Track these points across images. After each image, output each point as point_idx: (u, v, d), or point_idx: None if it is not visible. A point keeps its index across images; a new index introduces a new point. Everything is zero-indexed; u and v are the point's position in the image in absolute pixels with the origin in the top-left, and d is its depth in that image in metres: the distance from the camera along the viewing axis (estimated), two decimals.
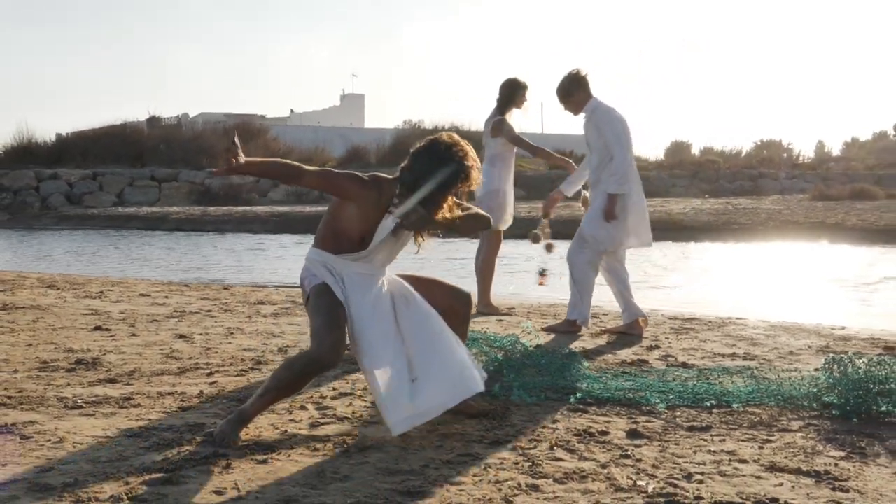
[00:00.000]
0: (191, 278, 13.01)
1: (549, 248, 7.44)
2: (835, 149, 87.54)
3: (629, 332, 6.99)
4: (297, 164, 4.17)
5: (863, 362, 4.47)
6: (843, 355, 4.67)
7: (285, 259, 16.79)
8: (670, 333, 7.08)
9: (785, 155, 77.30)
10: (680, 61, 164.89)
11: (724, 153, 72.57)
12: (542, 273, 7.47)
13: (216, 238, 23.16)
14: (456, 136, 4.13)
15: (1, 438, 3.77)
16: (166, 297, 9.05)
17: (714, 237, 20.48)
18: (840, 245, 18.32)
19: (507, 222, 8.09)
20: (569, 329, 7.06)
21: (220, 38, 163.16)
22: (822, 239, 19.12)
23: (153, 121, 66.54)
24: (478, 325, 7.06)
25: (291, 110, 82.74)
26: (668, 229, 21.60)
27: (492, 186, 7.79)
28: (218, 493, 3.16)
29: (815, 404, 4.47)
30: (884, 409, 4.27)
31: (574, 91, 7.01)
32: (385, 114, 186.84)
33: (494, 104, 8.09)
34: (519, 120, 8.27)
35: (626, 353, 6.13)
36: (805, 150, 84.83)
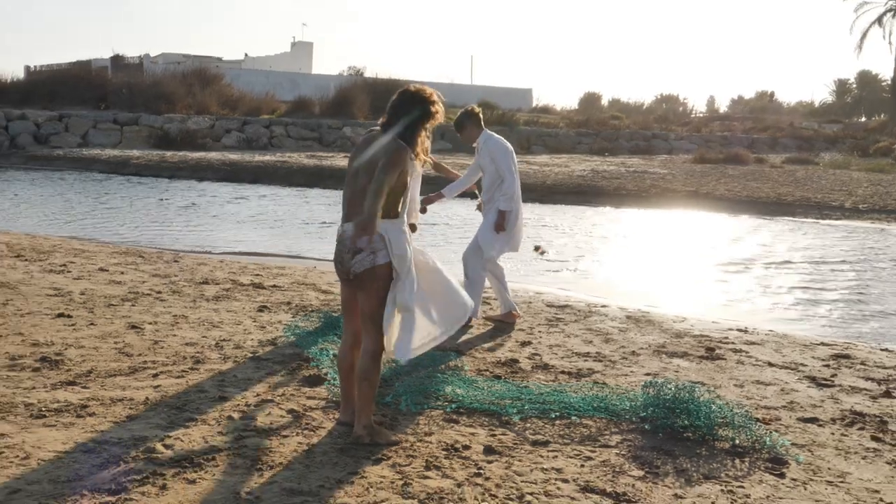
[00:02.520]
0: (148, 238, 13.26)
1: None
2: (723, 105, 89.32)
3: (505, 320, 7.68)
4: (378, 189, 4.39)
5: (672, 387, 5.04)
6: (659, 379, 5.27)
7: (228, 220, 17.01)
8: (543, 325, 7.65)
9: (680, 109, 78.79)
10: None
11: (629, 105, 73.76)
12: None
13: (172, 187, 23.17)
14: (419, 86, 4.67)
15: None
16: (122, 272, 9.33)
17: (605, 202, 21.18)
18: (709, 214, 19.20)
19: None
20: (507, 321, 7.73)
21: None
22: (695, 207, 19.96)
23: (116, 59, 65.10)
24: None
25: (245, 54, 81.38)
26: (569, 192, 22.28)
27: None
28: None
29: (634, 418, 5.04)
30: (685, 423, 4.85)
31: (468, 124, 7.58)
32: (332, 61, 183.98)
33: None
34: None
35: (503, 351, 6.67)
36: (698, 104, 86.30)
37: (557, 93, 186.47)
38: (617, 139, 43.79)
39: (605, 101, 79.88)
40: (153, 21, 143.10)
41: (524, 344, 6.95)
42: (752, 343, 7.26)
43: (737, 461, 4.51)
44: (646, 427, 4.92)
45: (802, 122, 61.27)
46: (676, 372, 6.23)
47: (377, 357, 4.59)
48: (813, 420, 5.22)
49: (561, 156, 36.38)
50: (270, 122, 39.48)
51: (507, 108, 51.12)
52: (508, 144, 7.77)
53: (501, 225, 7.49)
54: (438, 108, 4.63)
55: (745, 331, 7.79)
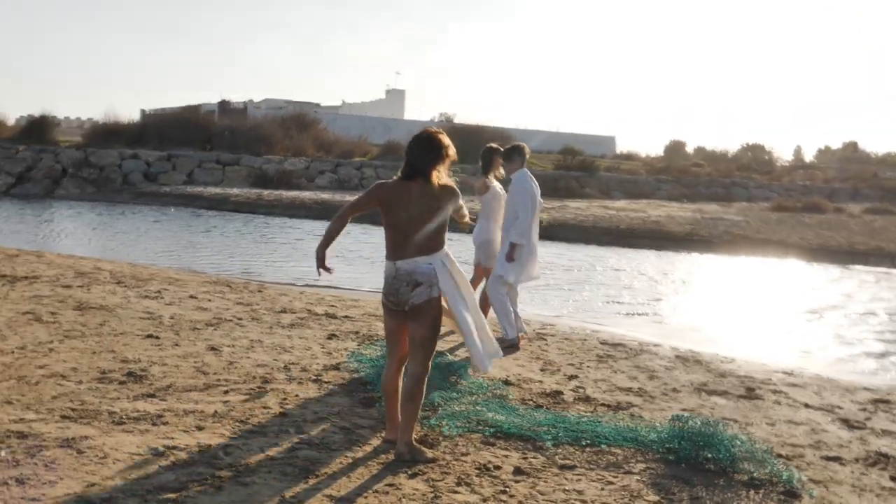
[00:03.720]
0: (238, 270, 13.87)
1: None
2: (809, 154, 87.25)
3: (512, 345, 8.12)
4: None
5: (699, 422, 5.17)
6: (687, 413, 5.40)
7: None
8: (593, 361, 7.81)
9: (766, 157, 77.30)
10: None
11: (714, 154, 72.81)
12: None
13: (267, 224, 24.00)
14: (433, 129, 5.05)
15: (62, 452, 4.58)
16: (210, 299, 9.86)
17: (678, 247, 21.09)
18: (779, 260, 18.95)
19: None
20: (509, 347, 7.99)
21: (289, 29, 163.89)
22: (767, 254, 19.71)
23: (223, 104, 67.67)
24: (464, 350, 7.83)
25: (343, 101, 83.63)
26: (643, 236, 22.26)
27: (485, 237, 8.46)
28: None
29: (660, 449, 5.18)
30: (708, 456, 4.98)
31: (514, 157, 8.02)
32: (424, 108, 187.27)
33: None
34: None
35: (549, 383, 6.86)
36: (785, 154, 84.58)
37: (643, 140, 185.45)
38: (696, 186, 43.43)
39: (689, 149, 79.20)
40: (260, 69, 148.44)
41: (571, 377, 7.13)
42: (794, 385, 7.28)
43: (751, 492, 4.62)
44: (670, 458, 5.05)
45: (887, 172, 59.60)
46: (712, 409, 6.32)
47: (422, 380, 4.87)
48: (836, 459, 5.28)
49: (639, 201, 36.24)
50: (361, 164, 40.45)
51: (591, 153, 51.19)
52: (534, 185, 8.19)
53: (512, 256, 7.99)
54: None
55: (791, 373, 7.80)
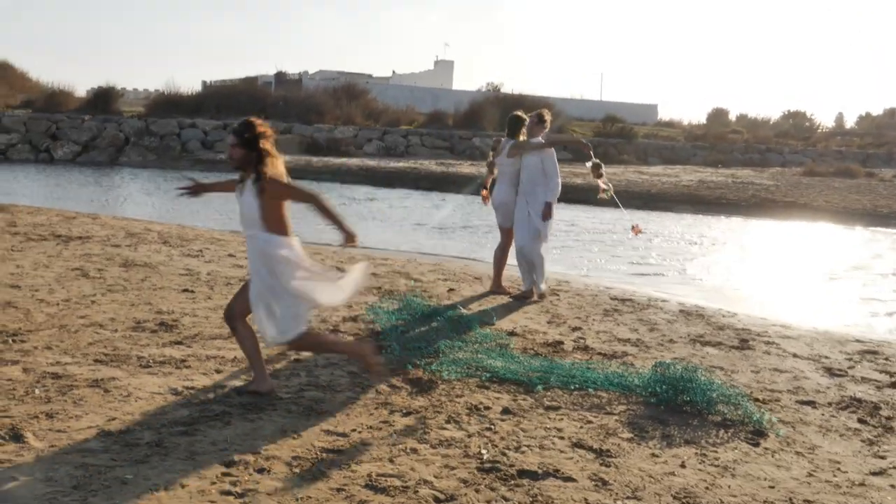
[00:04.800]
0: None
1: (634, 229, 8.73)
2: (851, 122, 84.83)
3: (527, 297, 8.41)
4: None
5: (680, 368, 5.29)
6: (669, 361, 5.51)
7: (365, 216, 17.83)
8: (599, 315, 7.92)
9: (807, 125, 75.37)
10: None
11: (756, 121, 71.26)
12: (634, 227, 8.71)
13: (317, 187, 24.30)
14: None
15: (90, 391, 4.87)
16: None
17: (706, 210, 20.91)
18: (805, 223, 18.71)
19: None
20: (528, 297, 8.39)
21: (345, 3, 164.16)
22: (793, 217, 19.48)
23: (280, 75, 68.13)
24: (478, 305, 8.01)
25: (393, 71, 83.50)
26: (673, 200, 22.11)
27: (504, 199, 8.55)
28: (213, 444, 4.20)
29: (643, 393, 5.30)
30: (686, 399, 5.09)
31: (539, 124, 8.31)
32: (472, 78, 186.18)
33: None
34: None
35: (553, 334, 7.00)
36: (826, 121, 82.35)
37: (686, 109, 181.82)
38: (731, 152, 42.77)
39: (732, 117, 77.55)
40: (316, 42, 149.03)
41: (575, 329, 7.25)
42: (788, 337, 7.32)
43: (721, 432, 4.74)
44: (651, 401, 5.18)
45: None
46: (702, 358, 6.42)
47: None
48: (810, 402, 5.36)
49: (674, 167, 35.87)
50: (408, 132, 40.57)
51: (632, 122, 50.66)
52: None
53: (550, 214, 8.22)
54: None
55: (787, 327, 7.83)
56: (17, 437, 4.11)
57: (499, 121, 43.99)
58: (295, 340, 4.82)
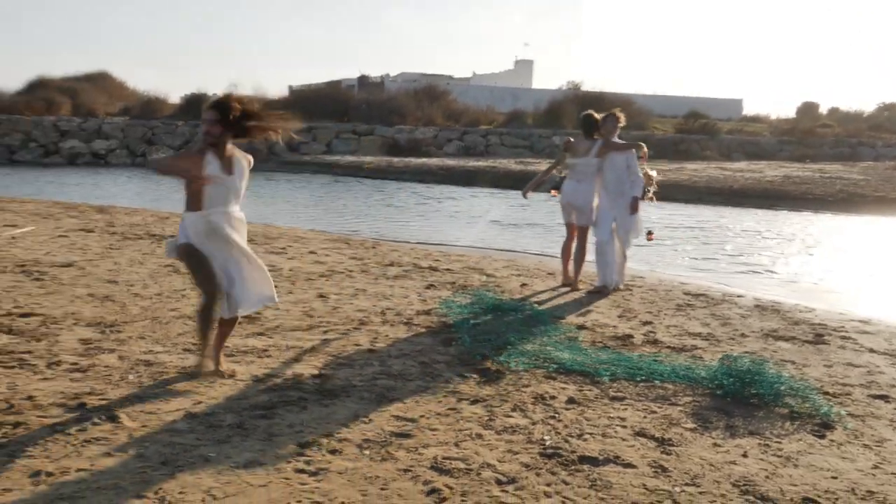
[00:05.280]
0: (365, 229, 14.52)
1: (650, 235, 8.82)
2: None
3: (602, 292, 8.50)
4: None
5: (747, 361, 5.26)
6: (737, 353, 5.48)
7: (436, 214, 18.04)
8: (671, 309, 7.88)
9: None
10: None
11: (848, 115, 68.66)
12: (650, 233, 8.82)
13: (394, 189, 24.69)
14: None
15: (179, 377, 5.15)
16: (327, 254, 10.45)
17: (791, 206, 20.42)
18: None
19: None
20: (603, 292, 8.48)
21: (425, 5, 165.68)
22: (883, 213, 18.83)
23: (362, 78, 69.10)
24: (550, 299, 8.10)
25: (473, 72, 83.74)
26: (755, 196, 21.65)
27: (587, 197, 8.54)
28: (290, 426, 4.41)
29: (710, 385, 5.30)
30: (754, 391, 5.08)
31: (612, 123, 8.39)
32: (552, 77, 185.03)
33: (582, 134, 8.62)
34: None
35: (623, 328, 7.02)
36: None
37: (773, 103, 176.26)
38: (821, 146, 41.44)
39: (823, 111, 74.90)
40: (397, 44, 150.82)
41: (646, 323, 7.26)
42: (866, 332, 7.16)
43: (787, 423, 4.71)
44: (718, 393, 5.18)
45: None
46: (774, 352, 6.35)
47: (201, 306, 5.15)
48: (882, 397, 5.26)
49: (759, 162, 34.96)
50: (487, 132, 40.70)
51: (716, 117, 49.62)
52: None
53: (637, 208, 8.43)
54: None
55: (867, 322, 7.65)
56: (112, 417, 4.40)
57: (578, 119, 43.63)
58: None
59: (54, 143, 34.00)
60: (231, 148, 5.04)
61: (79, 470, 3.75)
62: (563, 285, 8.76)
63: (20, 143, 33.75)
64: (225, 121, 4.90)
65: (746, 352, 6.23)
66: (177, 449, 4.02)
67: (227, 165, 5.02)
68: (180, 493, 3.57)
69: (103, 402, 4.62)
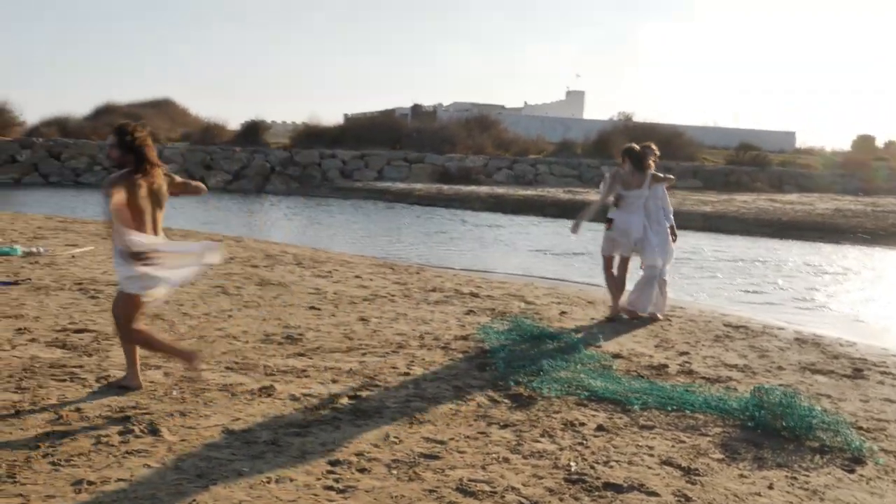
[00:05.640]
0: (411, 255, 14.67)
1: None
2: None
3: (654, 318, 8.67)
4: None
5: (779, 393, 5.21)
6: (770, 385, 5.43)
7: (485, 240, 18.12)
8: (709, 340, 7.83)
9: None
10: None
11: None
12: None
13: (443, 216, 24.87)
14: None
15: (220, 395, 5.29)
16: (372, 279, 10.59)
17: (840, 239, 20.06)
18: None
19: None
20: (654, 318, 8.67)
21: (478, 37, 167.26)
22: None
23: (415, 107, 69.89)
24: (588, 327, 8.11)
25: (525, 102, 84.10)
26: (805, 229, 21.32)
27: (641, 228, 8.55)
28: (322, 444, 4.50)
29: (741, 416, 5.25)
30: (785, 424, 5.02)
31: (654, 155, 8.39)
32: (603, 107, 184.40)
33: (631, 166, 8.55)
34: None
35: (659, 357, 6.99)
36: None
37: (827, 136, 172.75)
38: (875, 180, 40.57)
39: (880, 143, 73.29)
40: (450, 74, 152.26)
41: (682, 353, 7.21)
42: None
43: (817, 457, 4.65)
44: (749, 424, 5.14)
45: None
46: (810, 385, 6.26)
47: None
48: None
49: (811, 195, 34.39)
50: (536, 161, 40.76)
51: (769, 149, 49.05)
52: None
53: (675, 235, 8.75)
54: None
55: None
56: (154, 431, 4.55)
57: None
58: (128, 336, 5.16)
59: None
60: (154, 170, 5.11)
61: (118, 480, 3.89)
62: (613, 317, 8.64)
63: (85, 166, 34.82)
64: (121, 145, 5.02)
65: (782, 384, 6.16)
66: (212, 463, 4.14)
67: (150, 188, 5.12)
68: None
69: (146, 416, 4.77)
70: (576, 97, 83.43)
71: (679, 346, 7.50)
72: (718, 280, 13.51)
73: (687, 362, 6.87)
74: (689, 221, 23.22)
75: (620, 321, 8.45)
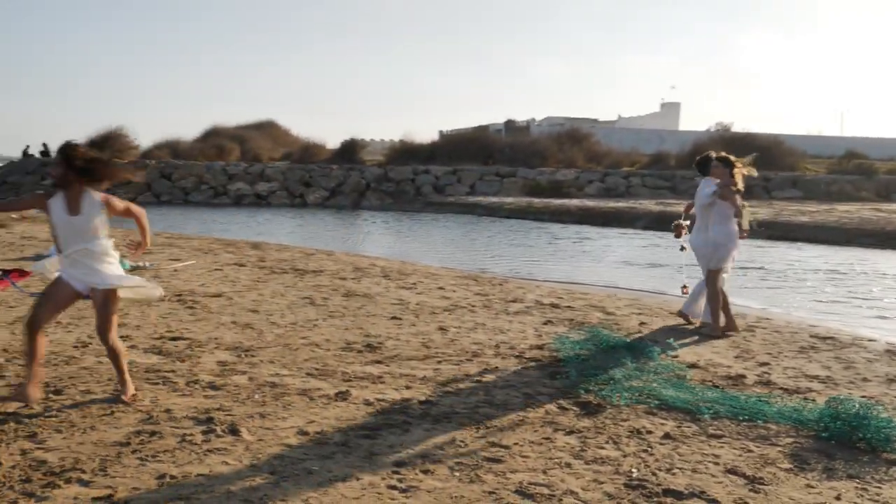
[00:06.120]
0: (496, 267, 14.74)
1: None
2: None
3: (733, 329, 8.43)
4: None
5: (856, 404, 5.04)
6: (846, 396, 5.26)
7: (568, 251, 18.03)
8: (793, 351, 7.61)
9: None
10: None
11: None
12: (684, 288, 8.68)
13: (532, 228, 24.85)
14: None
15: (299, 399, 5.50)
16: (454, 290, 10.72)
17: None
18: None
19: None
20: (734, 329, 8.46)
21: (571, 51, 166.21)
22: None
23: (509, 123, 70.04)
24: (665, 338, 8.03)
25: (619, 115, 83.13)
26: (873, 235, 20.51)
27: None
28: (390, 447, 4.63)
29: (815, 427, 5.11)
30: (862, 436, 4.86)
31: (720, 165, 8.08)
32: (700, 118, 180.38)
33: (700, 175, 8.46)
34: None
35: (737, 368, 6.85)
36: None
37: None
38: None
39: None
40: (545, 89, 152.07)
41: (762, 364, 7.04)
42: None
43: (892, 469, 4.49)
44: (823, 435, 5.00)
45: None
46: (895, 398, 6.02)
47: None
48: None
49: (893, 204, 32.80)
50: (628, 173, 40.23)
51: (876, 157, 47.13)
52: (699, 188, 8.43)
53: None
54: None
55: None
56: (234, 431, 4.77)
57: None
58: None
59: (223, 186, 36.38)
60: (83, 190, 5.12)
61: (198, 475, 4.11)
62: (723, 332, 8.34)
63: (193, 186, 36.31)
64: (67, 165, 5.06)
65: (864, 396, 5.95)
66: (285, 461, 4.32)
67: (75, 206, 5.10)
68: (281, 500, 3.85)
69: (229, 418, 5.01)
70: (671, 109, 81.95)
71: (760, 357, 7.32)
72: (808, 291, 13.06)
73: (766, 373, 6.70)
74: (785, 232, 22.53)
75: (706, 333, 8.29)
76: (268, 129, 52.25)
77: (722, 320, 8.26)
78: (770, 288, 13.24)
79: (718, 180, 8.16)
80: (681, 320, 8.75)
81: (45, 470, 4.11)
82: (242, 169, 37.61)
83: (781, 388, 6.20)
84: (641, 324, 8.74)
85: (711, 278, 8.25)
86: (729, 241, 8.18)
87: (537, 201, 32.44)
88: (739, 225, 8.24)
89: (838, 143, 58.81)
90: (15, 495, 3.81)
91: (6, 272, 9.80)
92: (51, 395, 5.37)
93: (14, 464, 4.18)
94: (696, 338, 8.09)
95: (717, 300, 8.20)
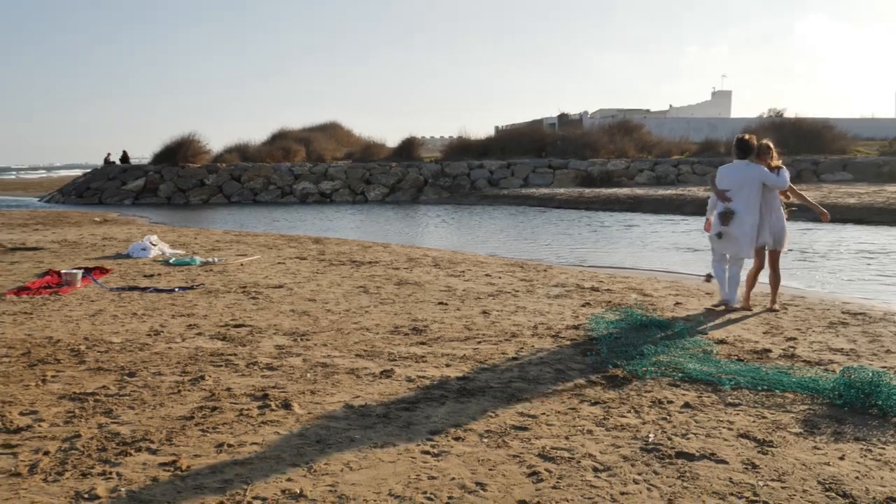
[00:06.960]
0: (544, 254, 14.88)
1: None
2: None
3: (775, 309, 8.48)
4: None
5: (869, 372, 5.10)
6: (860, 365, 5.31)
7: (614, 237, 18.00)
8: (821, 327, 7.61)
9: None
10: None
11: None
12: (708, 276, 8.72)
13: (582, 217, 24.82)
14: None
15: (346, 377, 5.79)
16: (500, 276, 10.91)
17: None
18: None
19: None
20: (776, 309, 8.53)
21: (625, 42, 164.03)
22: None
23: (562, 116, 69.61)
24: (699, 316, 8.11)
25: (670, 105, 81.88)
26: None
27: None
28: (427, 418, 4.87)
29: (831, 396, 5.18)
30: (874, 403, 4.92)
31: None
32: (753, 105, 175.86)
33: (745, 159, 8.43)
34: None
35: (764, 343, 6.90)
36: None
37: None
38: None
39: None
40: (598, 81, 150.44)
41: (789, 339, 7.08)
42: None
43: None
44: (837, 403, 5.07)
45: None
46: None
47: None
48: None
49: None
50: (678, 161, 39.74)
51: None
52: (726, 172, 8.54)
53: None
54: None
55: None
56: (286, 405, 5.08)
57: (774, 145, 41.51)
58: None
59: (289, 186, 37.17)
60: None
61: (252, 444, 4.42)
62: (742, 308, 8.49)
63: (261, 186, 37.18)
64: None
65: (885, 367, 5.97)
66: (330, 431, 4.61)
67: None
68: (325, 463, 4.13)
69: (283, 395, 5.32)
70: (722, 97, 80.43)
71: (788, 333, 7.35)
72: (847, 270, 12.87)
73: (791, 347, 6.75)
74: (832, 214, 22.07)
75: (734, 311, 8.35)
76: (331, 130, 52.97)
77: (741, 293, 8.43)
78: (805, 268, 13.08)
79: (764, 167, 8.31)
80: (720, 307, 8.60)
81: (119, 440, 4.47)
82: (307, 169, 38.34)
83: (804, 361, 6.24)
84: (676, 304, 8.82)
85: (775, 258, 8.45)
86: (785, 223, 8.40)
87: (588, 191, 32.34)
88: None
89: (892, 126, 57.05)
90: (92, 462, 4.18)
91: (88, 270, 10.37)
92: (125, 377, 5.77)
93: (92, 435, 4.55)
94: (729, 316, 8.14)
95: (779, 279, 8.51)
